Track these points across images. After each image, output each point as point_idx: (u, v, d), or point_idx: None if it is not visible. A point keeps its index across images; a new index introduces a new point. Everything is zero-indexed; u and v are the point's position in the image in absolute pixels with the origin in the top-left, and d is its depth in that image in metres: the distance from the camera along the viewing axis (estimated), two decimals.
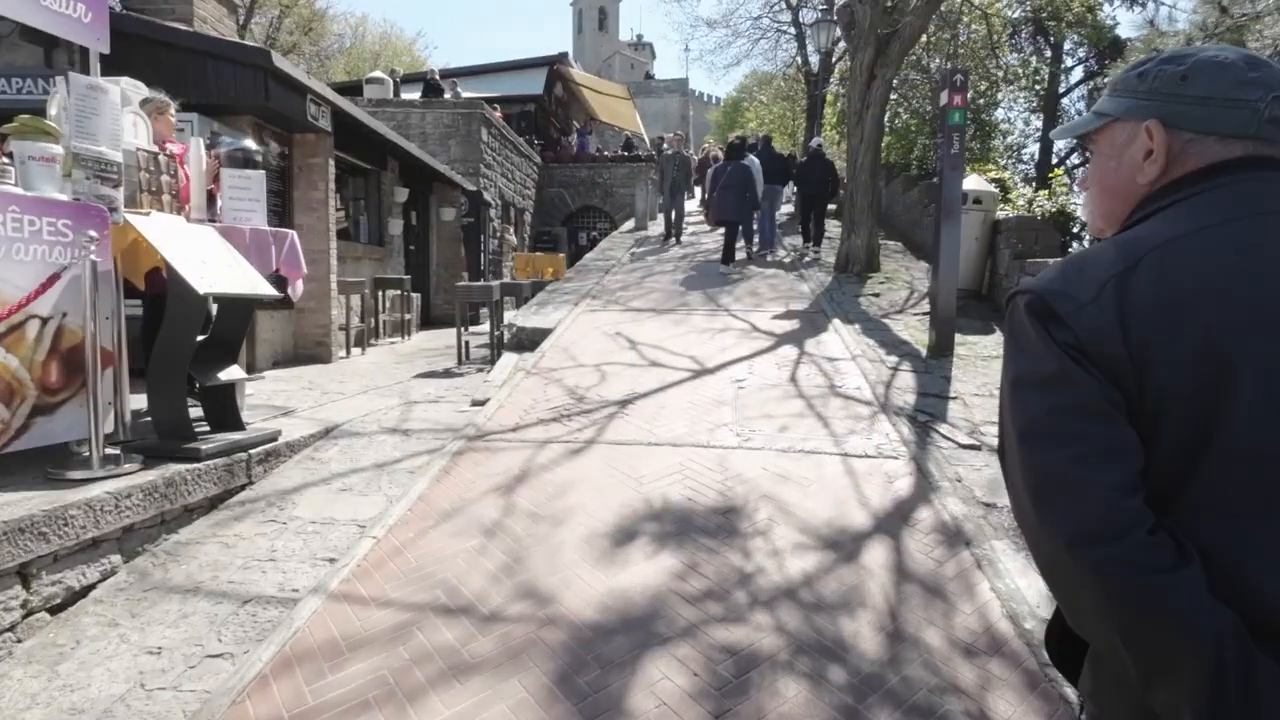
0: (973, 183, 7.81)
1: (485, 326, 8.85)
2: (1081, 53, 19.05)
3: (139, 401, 3.68)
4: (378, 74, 15.03)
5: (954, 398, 4.94)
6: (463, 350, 7.05)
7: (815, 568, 2.84)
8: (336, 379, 6.18)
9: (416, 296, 10.02)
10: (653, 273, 9.81)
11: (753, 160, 10.92)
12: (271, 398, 5.18)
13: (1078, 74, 19.51)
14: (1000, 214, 7.64)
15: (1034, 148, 20.47)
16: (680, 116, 52.77)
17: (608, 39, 70.99)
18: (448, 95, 15.66)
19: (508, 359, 6.30)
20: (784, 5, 17.74)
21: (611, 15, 72.64)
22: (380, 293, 9.20)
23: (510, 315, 7.77)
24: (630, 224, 15.77)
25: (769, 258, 10.90)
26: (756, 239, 11.10)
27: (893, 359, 5.77)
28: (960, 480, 3.64)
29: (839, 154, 22.61)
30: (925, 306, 7.64)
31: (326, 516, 3.35)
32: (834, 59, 14.06)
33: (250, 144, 4.32)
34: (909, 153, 17.03)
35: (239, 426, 3.80)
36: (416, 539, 3.09)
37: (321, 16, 26.37)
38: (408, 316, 9.33)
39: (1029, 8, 16.50)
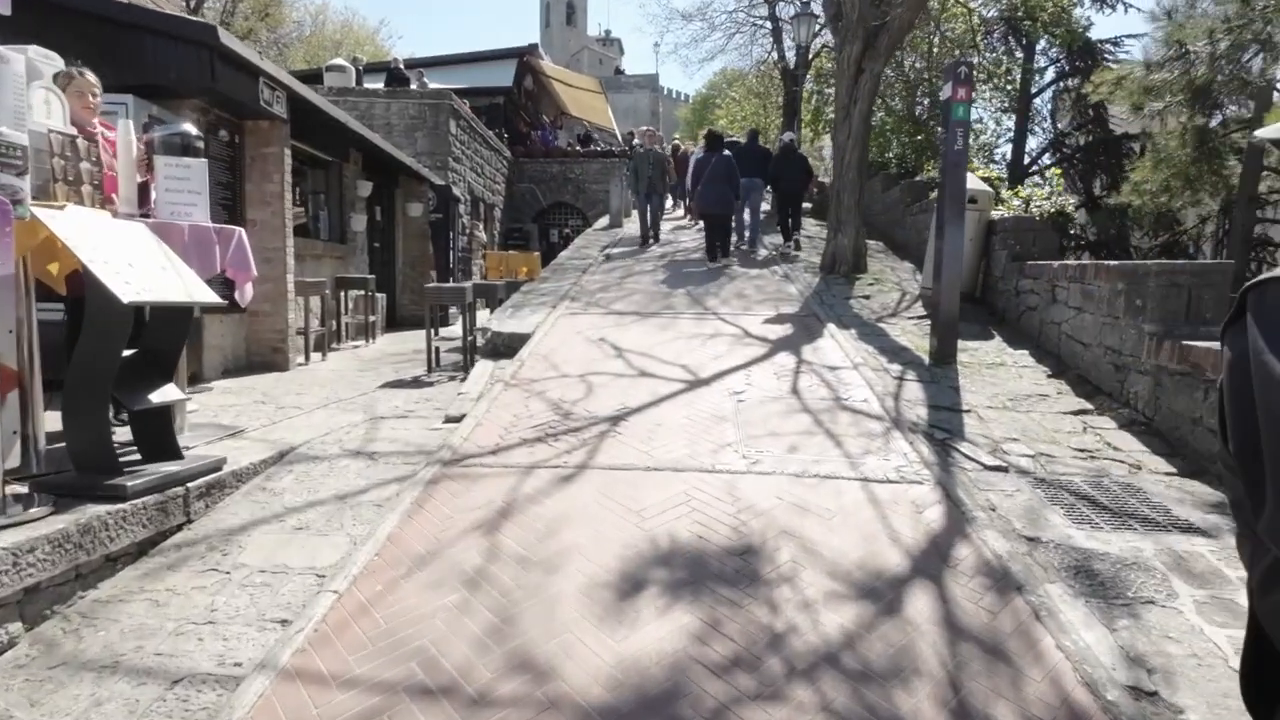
0: (968, 181, 7.54)
1: (456, 329, 8.33)
2: (1053, 53, 19.11)
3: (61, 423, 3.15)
4: (339, 61, 14.31)
5: (967, 410, 4.62)
6: (433, 357, 6.55)
7: (855, 623, 2.46)
8: (294, 390, 5.63)
9: (381, 297, 9.45)
10: (632, 273, 9.39)
11: (727, 156, 10.71)
12: (219, 414, 4.63)
13: (1049, 75, 19.56)
14: (995, 214, 7.39)
15: (1006, 148, 20.57)
16: (651, 113, 52.37)
17: (576, 34, 70.25)
18: (414, 85, 15.01)
19: (483, 367, 5.83)
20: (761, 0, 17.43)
21: (580, 9, 71.93)
22: (342, 293, 8.63)
23: (485, 319, 7.29)
24: (604, 221, 15.32)
25: (753, 255, 10.59)
26: (747, 234, 11.03)
27: (896, 367, 5.45)
28: (994, 509, 3.30)
29: (812, 151, 22.49)
30: (919, 310, 7.37)
31: (278, 564, 2.86)
32: (811, 55, 13.78)
33: (190, 128, 3.79)
34: (885, 150, 16.91)
35: (176, 455, 3.28)
36: (386, 593, 2.63)
37: (279, 2, 25.31)
38: (372, 318, 8.76)
39: (1004, 6, 16.48)
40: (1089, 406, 4.77)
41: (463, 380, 6.13)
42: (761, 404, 4.58)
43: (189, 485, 3.16)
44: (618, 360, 5.55)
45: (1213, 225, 14.57)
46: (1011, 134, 20.48)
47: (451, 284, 6.40)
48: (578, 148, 21.03)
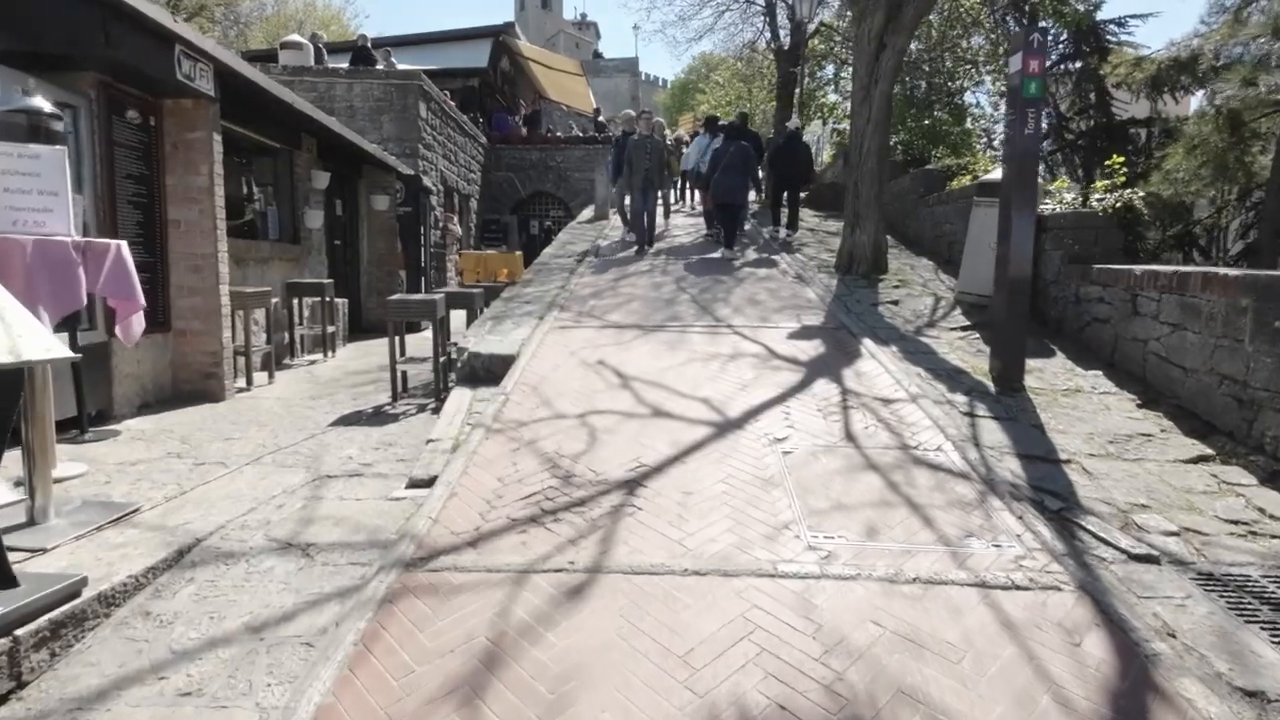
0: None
1: (428, 334, 7.24)
2: (1054, 34, 18.28)
3: None
4: (295, 38, 13.01)
5: (1066, 461, 3.71)
6: (398, 382, 5.51)
7: None
8: (224, 432, 4.57)
9: (342, 303, 8.35)
10: (626, 274, 8.38)
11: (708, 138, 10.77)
12: (113, 479, 3.57)
13: (1051, 57, 18.73)
14: (1045, 208, 6.48)
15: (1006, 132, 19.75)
16: (631, 97, 51.04)
17: (551, 17, 68.41)
18: (381, 66, 13.76)
19: (459, 399, 4.81)
20: None
21: None
22: (296, 301, 7.52)
23: (460, 334, 6.25)
24: (589, 212, 14.25)
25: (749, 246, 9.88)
26: (784, 227, 10.50)
27: (959, 398, 4.53)
28: (1173, 634, 2.38)
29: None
30: (959, 318, 6.47)
31: None
32: (808, 34, 12.80)
33: (40, 104, 2.72)
34: (891, 136, 16.00)
35: (7, 582, 2.24)
36: None
37: None
38: (331, 328, 7.66)
39: None
40: (1208, 451, 3.88)
41: (435, 410, 5.13)
42: (814, 457, 3.62)
43: (19, 634, 2.13)
44: (623, 392, 4.55)
45: (1235, 215, 13.86)
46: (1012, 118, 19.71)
47: (420, 295, 5.36)
48: (558, 134, 19.84)
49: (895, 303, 6.98)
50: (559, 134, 19.91)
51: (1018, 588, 2.59)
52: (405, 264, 10.21)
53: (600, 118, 22.98)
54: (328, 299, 7.60)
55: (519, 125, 20.32)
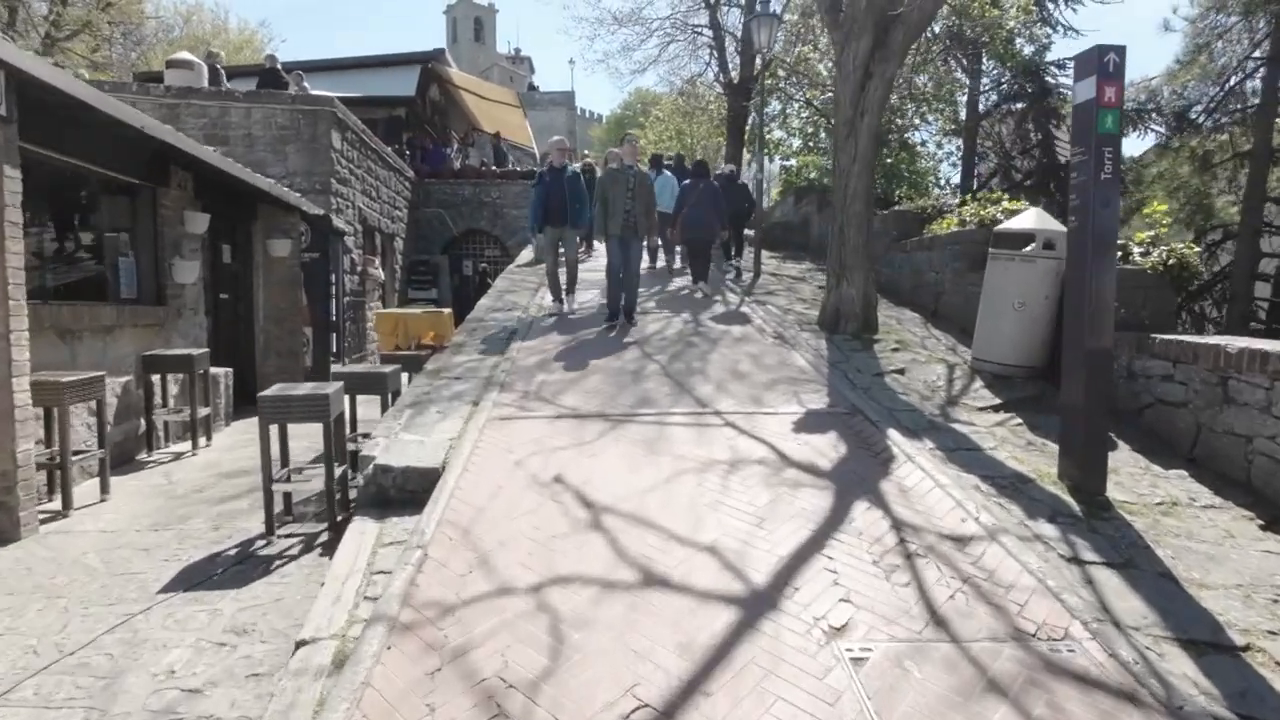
0: (1034, 219, 5.71)
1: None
2: (995, 74, 18.26)
3: None
4: (184, 55, 11.31)
5: (1244, 648, 2.57)
6: (277, 506, 4.01)
7: None
8: None
9: (224, 374, 6.72)
10: (579, 335, 7.08)
11: (669, 176, 10.84)
12: None
13: (992, 97, 18.69)
14: None
15: (951, 172, 19.59)
16: (568, 131, 50.29)
17: (485, 50, 67.49)
18: (292, 90, 12.21)
19: (358, 541, 3.37)
20: (702, 4, 15.57)
21: (488, 26, 69.25)
22: (158, 378, 5.89)
23: (376, 421, 4.80)
24: (528, 253, 12.91)
25: (706, 289, 9.23)
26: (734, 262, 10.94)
27: (1045, 527, 3.39)
28: None
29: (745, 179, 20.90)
30: (982, 392, 5.44)
31: None
32: (761, 67, 11.99)
33: None
34: None
35: None
36: None
37: None
38: (205, 410, 6.04)
39: (952, 22, 15.30)
40: None
41: (327, 548, 3.70)
42: (899, 669, 2.36)
43: None
44: (594, 535, 3.21)
45: (1204, 262, 13.67)
46: (954, 158, 19.58)
47: (305, 389, 3.92)
48: (494, 167, 18.51)
49: (901, 372, 5.90)
50: (494, 167, 18.58)
51: None
52: (312, 320, 8.61)
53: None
54: (199, 374, 6.00)
55: (453, 158, 18.94)
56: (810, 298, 9.21)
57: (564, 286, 8.11)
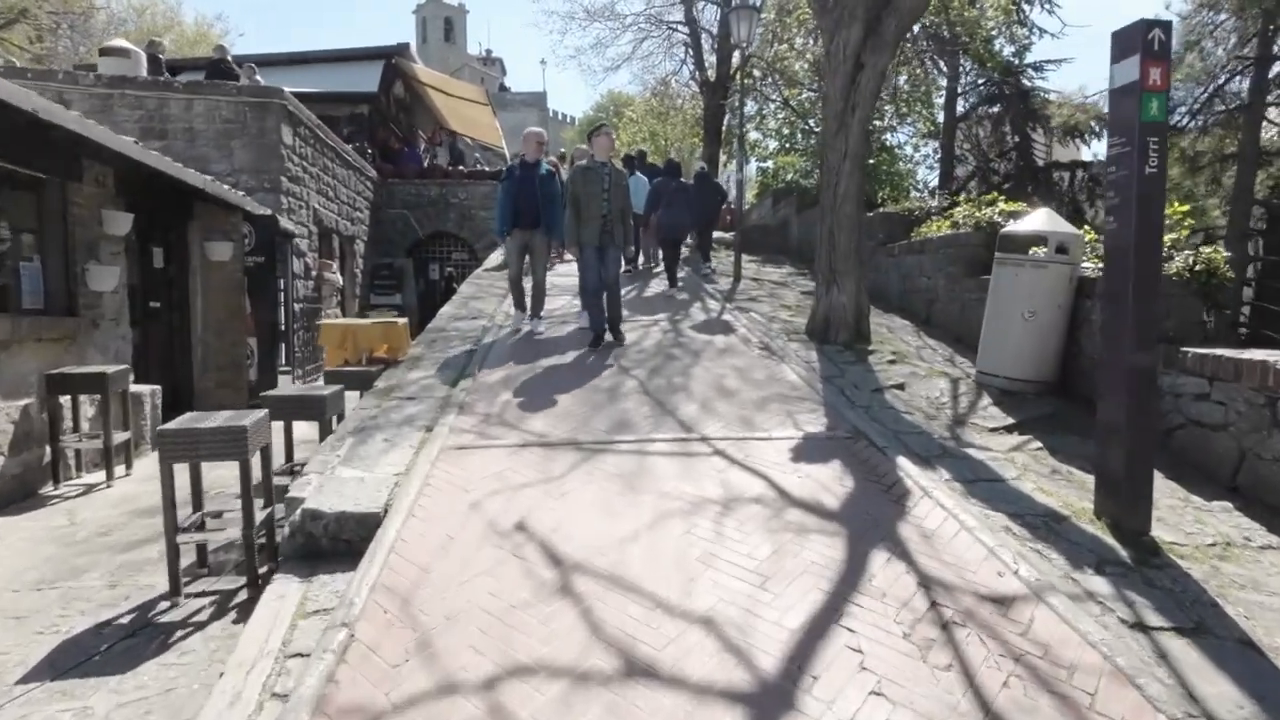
0: (1044, 221, 5.27)
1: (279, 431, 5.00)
2: (973, 76, 18.06)
3: None
4: (119, 42, 10.45)
5: None
6: (179, 569, 3.36)
7: None
8: None
9: (149, 393, 6.00)
10: (551, 347, 6.49)
11: (641, 178, 10.50)
12: None
13: (971, 99, 18.47)
14: (1093, 268, 5.12)
15: (928, 174, 19.34)
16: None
17: (455, 51, 66.38)
18: (244, 82, 11.42)
19: (276, 607, 2.76)
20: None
21: (459, 27, 68.16)
22: (71, 400, 5.18)
23: (300, 474, 4.17)
24: (497, 256, 12.27)
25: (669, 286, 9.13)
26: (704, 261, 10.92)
27: (1092, 579, 2.89)
28: None
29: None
30: (992, 411, 4.96)
31: None
32: (741, 62, 11.53)
33: None
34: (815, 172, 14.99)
35: None
36: None
37: None
38: (123, 436, 5.34)
39: (930, 21, 15.00)
40: None
41: (239, 618, 3.09)
42: None
43: None
44: (563, 606, 2.63)
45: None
46: (931, 160, 19.35)
47: (218, 421, 3.27)
48: (462, 168, 17.81)
49: (901, 387, 5.41)
50: (461, 167, 17.87)
51: None
52: (257, 330, 7.89)
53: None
54: (118, 391, 5.30)
55: (433, 156, 18.22)
56: (795, 304, 8.74)
57: (528, 303, 7.10)
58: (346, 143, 14.13)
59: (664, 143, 29.27)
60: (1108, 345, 3.44)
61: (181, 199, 7.26)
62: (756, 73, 16.19)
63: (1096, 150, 15.30)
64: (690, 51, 15.51)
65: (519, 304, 7.10)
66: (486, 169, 18.44)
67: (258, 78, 12.43)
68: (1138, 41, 3.20)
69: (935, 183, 18.68)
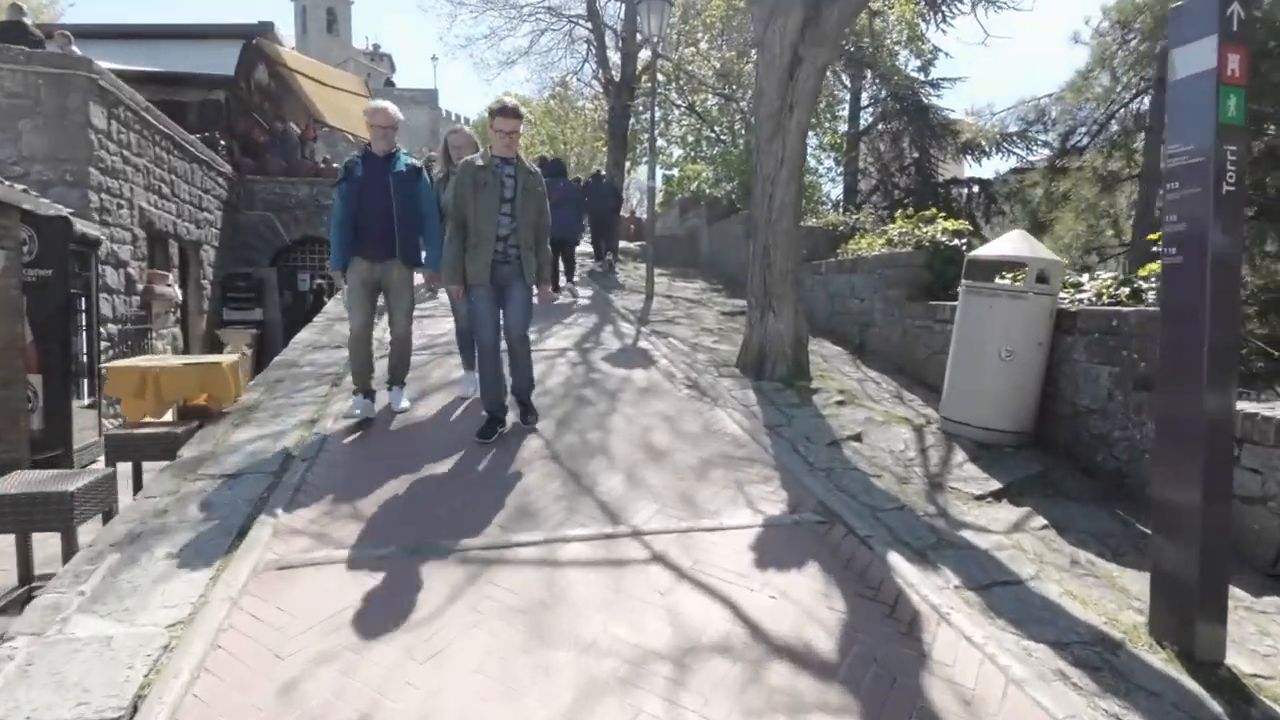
0: (1020, 244, 4.56)
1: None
2: (873, 91, 18.09)
3: None
4: None
5: None
6: None
7: None
8: None
9: None
10: (425, 391, 5.22)
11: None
12: None
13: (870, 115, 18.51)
14: (1069, 299, 4.45)
15: (831, 188, 19.21)
16: (430, 132, 47.06)
17: (339, 43, 62.17)
18: (54, 50, 9.29)
19: None
20: None
21: (342, 18, 63.95)
22: None
23: (61, 573, 2.71)
24: None
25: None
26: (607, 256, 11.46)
27: None
28: None
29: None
30: (969, 469, 4.18)
31: None
32: (652, 58, 10.64)
33: None
34: (723, 181, 14.33)
35: None
36: None
37: None
38: None
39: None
40: None
41: None
42: None
43: None
44: None
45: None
46: (834, 173, 19.25)
47: None
48: (335, 165, 15.87)
49: (859, 438, 4.55)
50: (335, 165, 15.93)
51: None
52: (41, 365, 6.07)
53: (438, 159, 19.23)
54: None
55: (309, 152, 16.19)
56: (716, 327, 7.85)
57: (384, 374, 4.74)
58: (196, 133, 12.08)
59: (564, 147, 28.15)
60: (1164, 400, 2.64)
61: None
62: (661, 77, 15.44)
63: (997, 167, 15.57)
64: (593, 49, 14.46)
65: (362, 386, 4.46)
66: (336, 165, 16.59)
67: (73, 48, 10.23)
68: (1213, 19, 2.42)
69: (839, 196, 18.63)
